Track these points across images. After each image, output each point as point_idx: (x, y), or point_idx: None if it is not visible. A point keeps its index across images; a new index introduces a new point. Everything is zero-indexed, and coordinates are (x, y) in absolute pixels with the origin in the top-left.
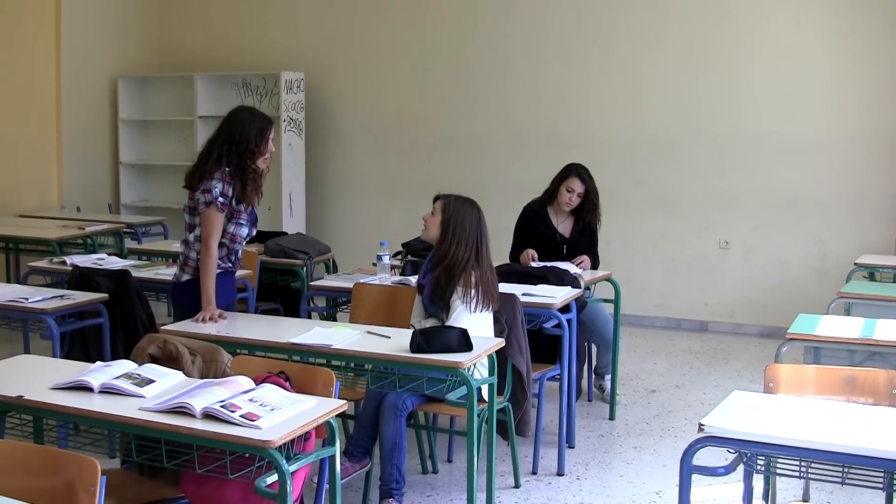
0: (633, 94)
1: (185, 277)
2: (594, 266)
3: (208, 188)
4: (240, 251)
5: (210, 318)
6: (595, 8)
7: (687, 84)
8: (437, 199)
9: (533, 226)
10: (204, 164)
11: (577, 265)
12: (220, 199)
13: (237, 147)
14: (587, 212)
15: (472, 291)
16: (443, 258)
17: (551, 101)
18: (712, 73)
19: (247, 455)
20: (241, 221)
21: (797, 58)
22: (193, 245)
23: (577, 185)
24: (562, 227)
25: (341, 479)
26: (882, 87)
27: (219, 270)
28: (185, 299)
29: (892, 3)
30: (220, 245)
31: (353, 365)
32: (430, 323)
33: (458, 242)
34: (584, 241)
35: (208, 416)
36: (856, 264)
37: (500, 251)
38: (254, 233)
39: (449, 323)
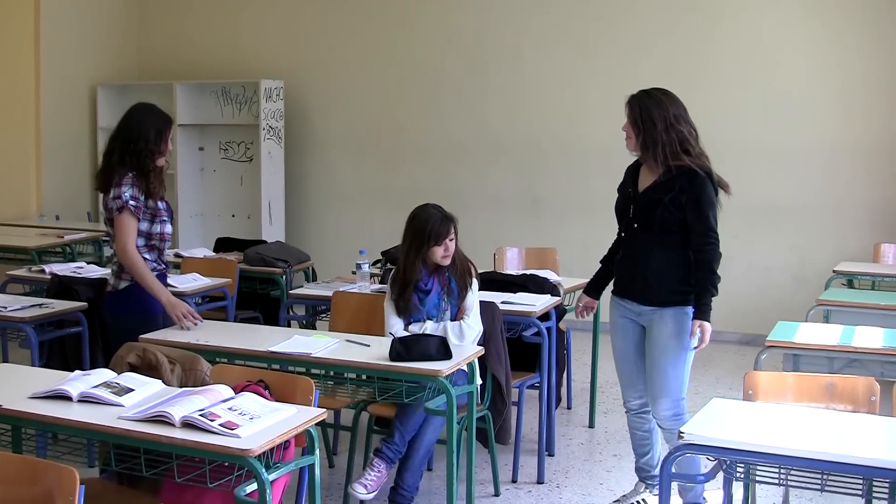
0: (611, 101)
1: (123, 284)
2: (706, 259)
3: (118, 195)
4: (165, 250)
5: (186, 314)
6: (573, 15)
7: None
8: (451, 224)
9: (621, 190)
10: (110, 165)
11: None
12: (132, 202)
13: (135, 145)
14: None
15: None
16: (462, 264)
17: (529, 108)
18: (692, 80)
19: (226, 464)
20: (165, 218)
21: (778, 65)
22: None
23: (626, 113)
24: (643, 181)
25: (376, 485)
26: (862, 95)
27: (156, 273)
28: (128, 308)
29: (875, 11)
30: (152, 248)
31: (332, 373)
32: (417, 328)
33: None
34: (659, 199)
35: (187, 424)
36: (834, 272)
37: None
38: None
39: (475, 313)
